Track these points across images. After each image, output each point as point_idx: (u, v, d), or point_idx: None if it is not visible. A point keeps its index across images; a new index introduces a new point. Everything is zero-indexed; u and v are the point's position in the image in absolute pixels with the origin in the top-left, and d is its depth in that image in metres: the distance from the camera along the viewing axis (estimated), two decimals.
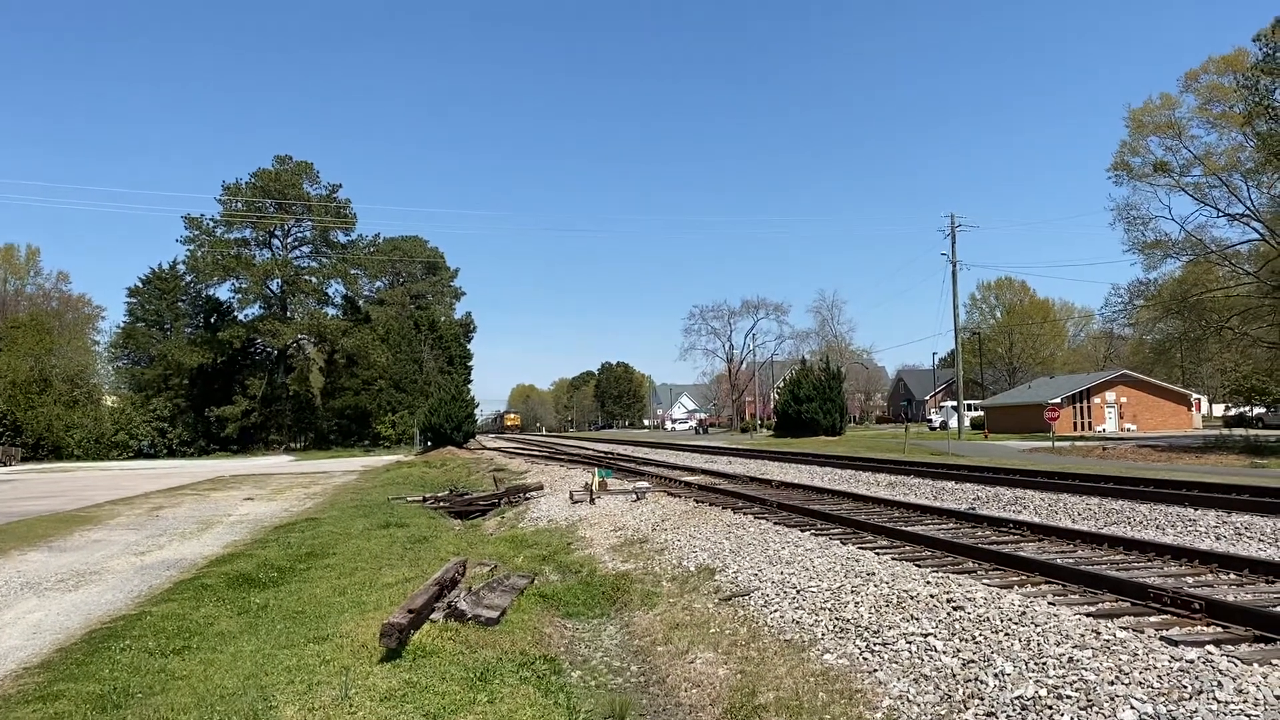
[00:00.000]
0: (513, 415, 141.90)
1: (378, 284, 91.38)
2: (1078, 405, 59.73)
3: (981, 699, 5.46)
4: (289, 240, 77.05)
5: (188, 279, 77.01)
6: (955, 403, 60.88)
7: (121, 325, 78.80)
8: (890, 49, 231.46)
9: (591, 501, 18.52)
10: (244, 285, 72.99)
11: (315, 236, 77.25)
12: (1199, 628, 6.21)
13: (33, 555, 14.64)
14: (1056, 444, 39.52)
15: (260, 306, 75.68)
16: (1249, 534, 10.87)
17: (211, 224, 72.83)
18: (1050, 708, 5.07)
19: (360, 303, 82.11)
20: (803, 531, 12.13)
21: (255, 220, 73.52)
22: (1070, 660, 5.57)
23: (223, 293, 76.55)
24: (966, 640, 6.38)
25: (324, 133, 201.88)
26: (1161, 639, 5.81)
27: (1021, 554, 9.22)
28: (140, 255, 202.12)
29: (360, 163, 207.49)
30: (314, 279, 76.63)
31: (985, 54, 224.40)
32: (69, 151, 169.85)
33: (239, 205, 73.29)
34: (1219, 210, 39.16)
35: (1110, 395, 60.41)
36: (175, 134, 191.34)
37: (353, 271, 79.13)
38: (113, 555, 14.58)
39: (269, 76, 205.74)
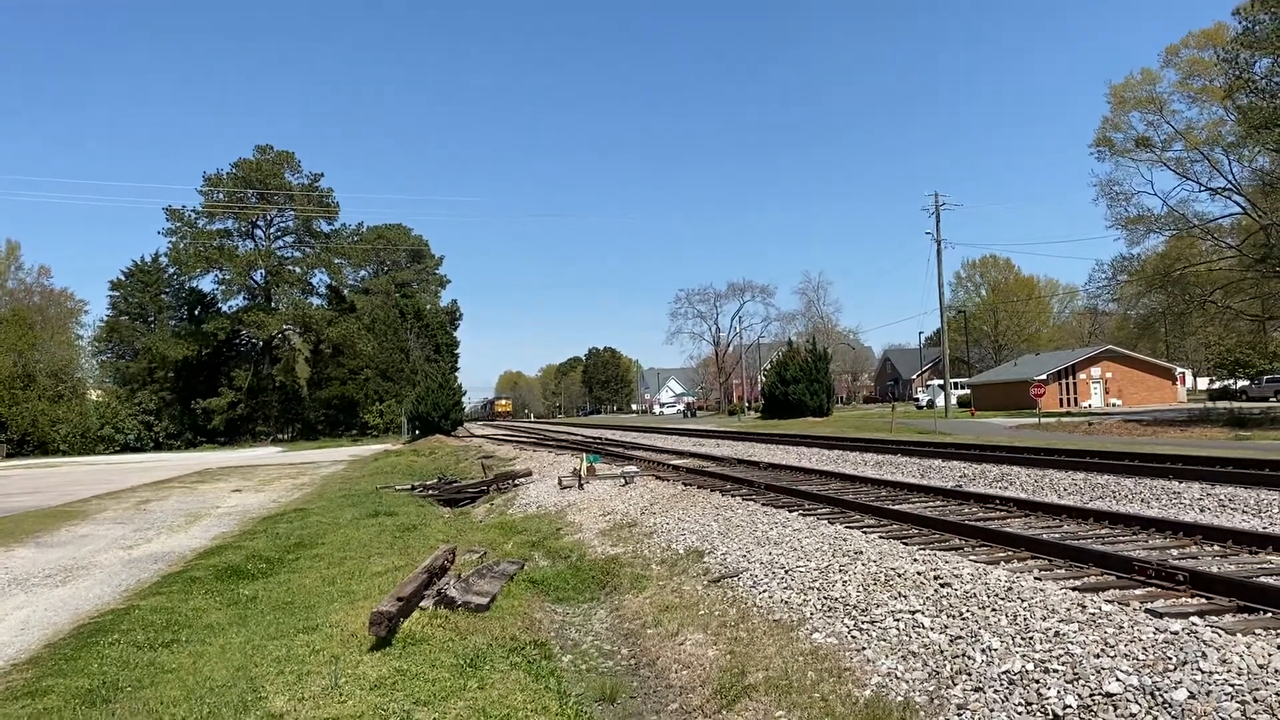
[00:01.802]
0: (503, 402, 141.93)
1: (362, 273, 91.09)
2: (1063, 381, 60.11)
3: (969, 674, 5.50)
4: (272, 230, 76.58)
5: (170, 271, 76.54)
6: (942, 381, 61.17)
7: (105, 319, 78.40)
8: (874, 27, 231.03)
9: (580, 487, 18.52)
10: (227, 276, 72.62)
11: (298, 226, 76.77)
12: (1184, 600, 6.25)
13: (20, 551, 14.55)
14: (1043, 420, 39.80)
15: (244, 298, 75.37)
16: (1233, 506, 10.95)
17: (193, 215, 72.27)
18: (1037, 681, 5.10)
19: (345, 292, 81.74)
20: (790, 512, 12.16)
21: (237, 211, 72.94)
22: (1056, 634, 5.60)
23: (206, 284, 76.27)
24: (954, 617, 6.41)
25: (305, 122, 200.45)
26: (1147, 611, 5.85)
27: (1008, 530, 9.26)
28: (122, 248, 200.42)
29: (343, 152, 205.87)
30: (298, 269, 76.27)
31: (969, 31, 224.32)
32: (48, 143, 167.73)
33: (220, 196, 72.70)
34: (1201, 184, 39.36)
35: (1095, 371, 60.81)
36: (155, 125, 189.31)
37: (337, 261, 78.82)
38: (100, 550, 14.51)
39: (248, 66, 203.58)
